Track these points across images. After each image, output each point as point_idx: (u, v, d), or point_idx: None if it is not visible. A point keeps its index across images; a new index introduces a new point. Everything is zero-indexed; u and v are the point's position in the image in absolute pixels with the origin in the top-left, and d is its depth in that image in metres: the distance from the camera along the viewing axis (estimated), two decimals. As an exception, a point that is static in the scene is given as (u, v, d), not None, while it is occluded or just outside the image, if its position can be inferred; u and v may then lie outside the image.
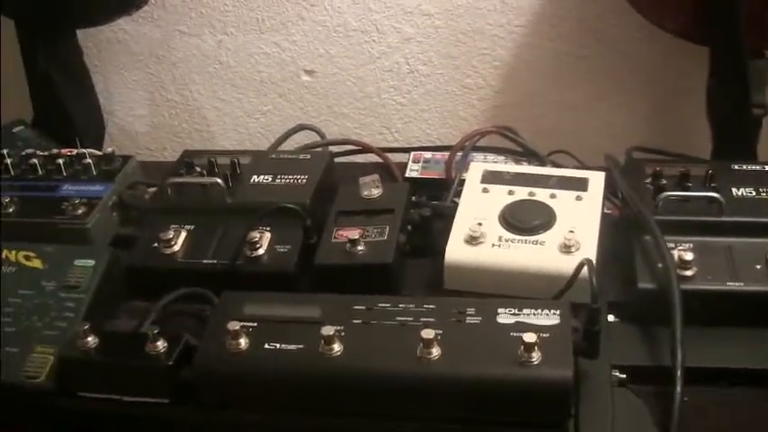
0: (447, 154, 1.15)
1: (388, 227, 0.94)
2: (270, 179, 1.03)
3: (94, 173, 1.08)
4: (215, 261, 0.94)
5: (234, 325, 0.80)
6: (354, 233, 0.92)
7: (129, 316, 0.93)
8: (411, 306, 0.82)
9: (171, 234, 0.96)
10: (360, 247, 0.92)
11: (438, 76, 1.39)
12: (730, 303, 0.85)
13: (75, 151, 1.11)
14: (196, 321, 0.90)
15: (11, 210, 1.04)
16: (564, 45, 1.33)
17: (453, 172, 1.11)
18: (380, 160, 1.19)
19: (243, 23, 1.39)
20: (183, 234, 0.97)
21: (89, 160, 1.09)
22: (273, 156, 1.08)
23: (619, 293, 0.89)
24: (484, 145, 1.18)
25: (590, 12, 1.30)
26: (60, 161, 1.09)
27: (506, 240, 0.92)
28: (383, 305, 0.83)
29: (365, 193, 1.00)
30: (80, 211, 1.02)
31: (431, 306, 0.82)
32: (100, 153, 1.11)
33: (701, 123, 1.18)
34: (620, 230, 0.94)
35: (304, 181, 1.02)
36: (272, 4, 1.37)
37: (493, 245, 0.91)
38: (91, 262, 0.92)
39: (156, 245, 0.96)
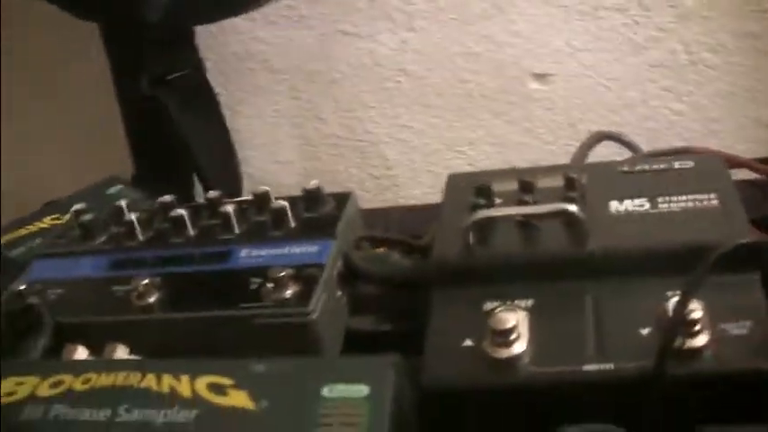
0: None
1: None
2: (646, 205, 0.54)
3: (292, 224, 0.60)
4: (607, 365, 0.45)
5: None
6: None
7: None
8: None
9: (510, 321, 0.46)
10: None
11: (733, 65, 0.95)
12: None
13: (248, 195, 0.64)
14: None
15: (152, 299, 0.55)
16: None
17: None
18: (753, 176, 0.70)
19: (437, 12, 0.94)
20: (522, 317, 0.48)
21: (281, 203, 0.60)
22: (626, 168, 0.59)
23: None
24: None
25: None
26: (229, 209, 0.60)
27: None
28: None
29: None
30: (290, 291, 0.53)
31: None
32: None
33: None
34: None
35: (715, 202, 0.54)
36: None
37: None
38: (361, 390, 0.43)
39: (467, 343, 0.47)
